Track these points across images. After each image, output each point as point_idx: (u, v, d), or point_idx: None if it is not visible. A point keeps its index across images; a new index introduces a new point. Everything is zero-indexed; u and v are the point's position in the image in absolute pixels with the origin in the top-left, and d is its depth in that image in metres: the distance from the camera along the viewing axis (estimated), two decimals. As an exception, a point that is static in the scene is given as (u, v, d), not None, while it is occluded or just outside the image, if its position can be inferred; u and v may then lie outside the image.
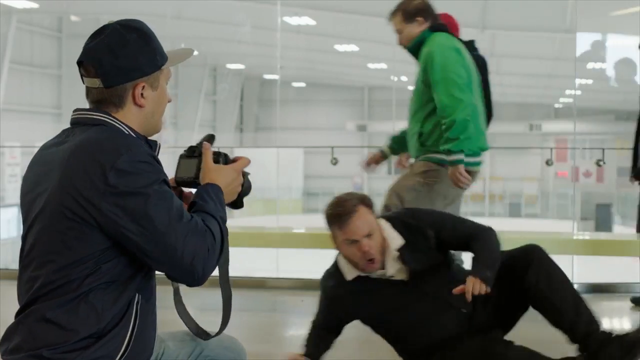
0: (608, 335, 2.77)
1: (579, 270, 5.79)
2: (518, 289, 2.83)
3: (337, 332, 3.13)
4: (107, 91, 1.88)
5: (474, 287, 2.77)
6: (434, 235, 2.94)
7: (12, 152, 14.96)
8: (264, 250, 4.06)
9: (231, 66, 26.00)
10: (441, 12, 4.30)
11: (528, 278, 2.78)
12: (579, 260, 4.78)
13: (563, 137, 23.03)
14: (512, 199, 27.30)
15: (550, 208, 26.44)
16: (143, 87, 1.90)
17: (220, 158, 2.03)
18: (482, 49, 4.54)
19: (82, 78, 1.91)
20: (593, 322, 2.78)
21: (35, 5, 16.70)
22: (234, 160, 2.05)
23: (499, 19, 14.58)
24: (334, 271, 3.04)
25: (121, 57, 1.87)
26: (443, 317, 2.91)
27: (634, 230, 4.80)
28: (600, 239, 4.16)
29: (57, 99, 20.74)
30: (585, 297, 2.93)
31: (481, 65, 4.55)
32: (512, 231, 5.28)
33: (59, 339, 1.77)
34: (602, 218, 21.55)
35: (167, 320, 2.16)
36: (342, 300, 3.02)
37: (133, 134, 1.90)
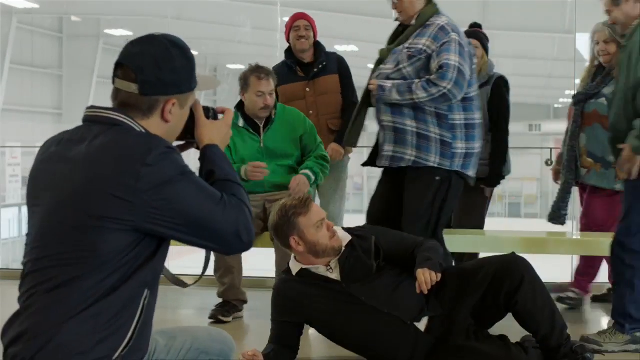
0: (575, 352, 2.93)
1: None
2: (504, 303, 2.93)
3: (292, 345, 3.17)
4: (140, 98, 1.89)
5: (425, 277, 2.89)
6: (373, 241, 3.08)
7: (13, 152, 14.95)
8: (264, 250, 4.05)
9: (231, 66, 25.98)
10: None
11: (518, 298, 2.88)
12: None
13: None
14: (512, 199, 27.25)
15: (550, 208, 26.35)
16: (174, 103, 1.92)
17: (210, 113, 2.06)
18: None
19: (113, 79, 1.91)
20: (564, 334, 2.94)
21: (35, 6, 16.71)
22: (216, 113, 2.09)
23: (498, 19, 14.57)
24: (284, 273, 3.19)
25: (165, 71, 1.89)
26: (390, 331, 2.97)
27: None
28: (600, 239, 4.14)
29: (58, 100, 20.72)
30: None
31: (340, 61, 4.67)
32: (512, 231, 5.27)
33: (63, 331, 1.76)
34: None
35: (167, 320, 2.16)
36: (289, 294, 3.10)
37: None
